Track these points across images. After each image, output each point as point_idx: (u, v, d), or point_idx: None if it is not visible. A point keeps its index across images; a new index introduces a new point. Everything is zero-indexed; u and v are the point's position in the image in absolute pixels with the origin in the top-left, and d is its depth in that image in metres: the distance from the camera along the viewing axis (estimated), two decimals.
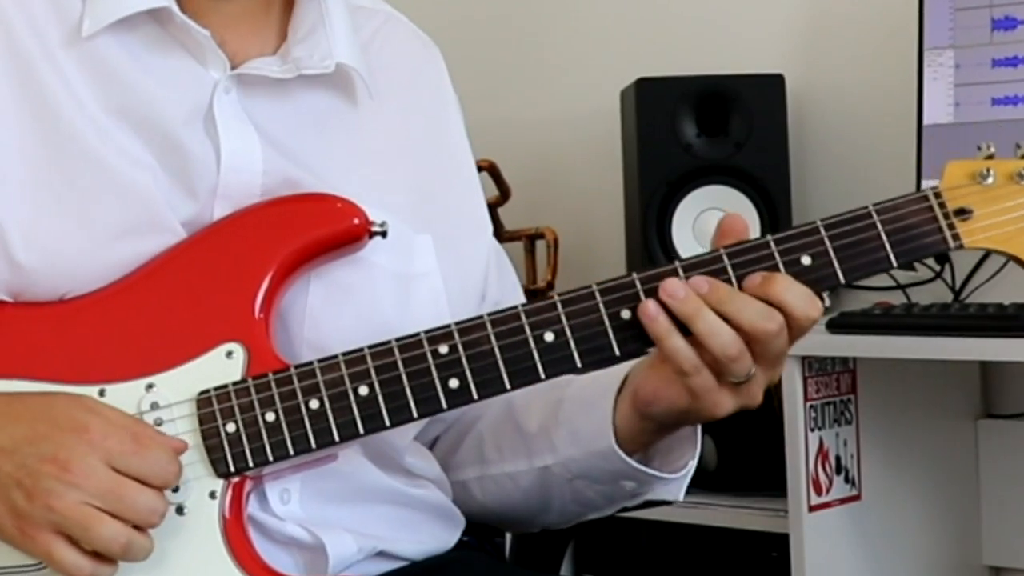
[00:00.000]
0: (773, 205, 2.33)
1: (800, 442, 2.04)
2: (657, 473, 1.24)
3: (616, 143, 2.50)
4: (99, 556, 1.09)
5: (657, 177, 2.35)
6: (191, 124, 1.20)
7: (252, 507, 1.17)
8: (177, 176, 1.19)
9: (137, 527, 1.09)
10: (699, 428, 1.24)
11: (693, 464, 1.25)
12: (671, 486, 1.26)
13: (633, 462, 1.23)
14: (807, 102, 2.50)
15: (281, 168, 1.21)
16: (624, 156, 2.47)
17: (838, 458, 2.09)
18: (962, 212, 1.15)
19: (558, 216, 2.69)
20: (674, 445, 1.25)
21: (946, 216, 1.15)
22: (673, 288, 1.13)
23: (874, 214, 1.15)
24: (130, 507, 1.08)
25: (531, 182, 2.73)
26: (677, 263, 1.14)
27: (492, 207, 2.49)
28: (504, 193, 2.57)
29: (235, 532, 1.14)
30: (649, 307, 1.13)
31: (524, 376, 1.14)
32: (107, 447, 1.08)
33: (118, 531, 1.07)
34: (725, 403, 1.16)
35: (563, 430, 1.27)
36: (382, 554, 1.25)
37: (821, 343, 2.02)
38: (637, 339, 1.15)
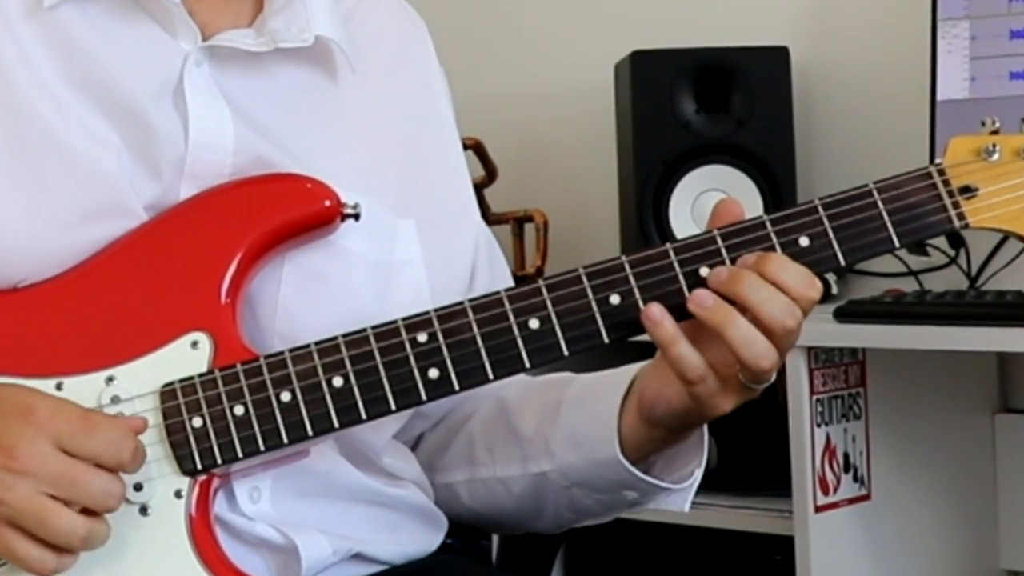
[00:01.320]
0: (777, 186, 2.34)
1: (806, 438, 2.04)
2: (663, 484, 1.25)
3: (610, 120, 2.50)
4: (59, 547, 1.08)
5: (653, 156, 2.35)
6: (159, 99, 1.20)
7: (220, 507, 1.18)
8: (142, 154, 1.19)
9: (92, 513, 1.09)
10: (705, 436, 1.25)
11: (699, 473, 1.26)
12: (675, 496, 1.26)
13: (639, 473, 1.24)
14: (813, 76, 2.50)
15: (254, 147, 1.21)
16: (618, 134, 2.48)
17: (846, 455, 2.09)
18: (967, 190, 1.16)
19: (548, 198, 2.69)
20: (679, 453, 1.26)
21: (950, 194, 1.16)
22: (701, 298, 1.13)
23: (875, 192, 1.16)
24: (84, 491, 1.07)
25: (519, 161, 2.73)
26: (668, 245, 1.15)
27: (478, 188, 2.50)
28: (490, 173, 2.57)
29: (202, 533, 1.14)
30: (653, 311, 1.13)
31: (508, 365, 1.15)
32: (54, 428, 1.08)
33: (76, 523, 1.07)
34: (726, 405, 1.17)
35: (562, 435, 1.27)
36: (359, 556, 1.25)
37: (828, 333, 2.03)
38: (627, 325, 1.15)
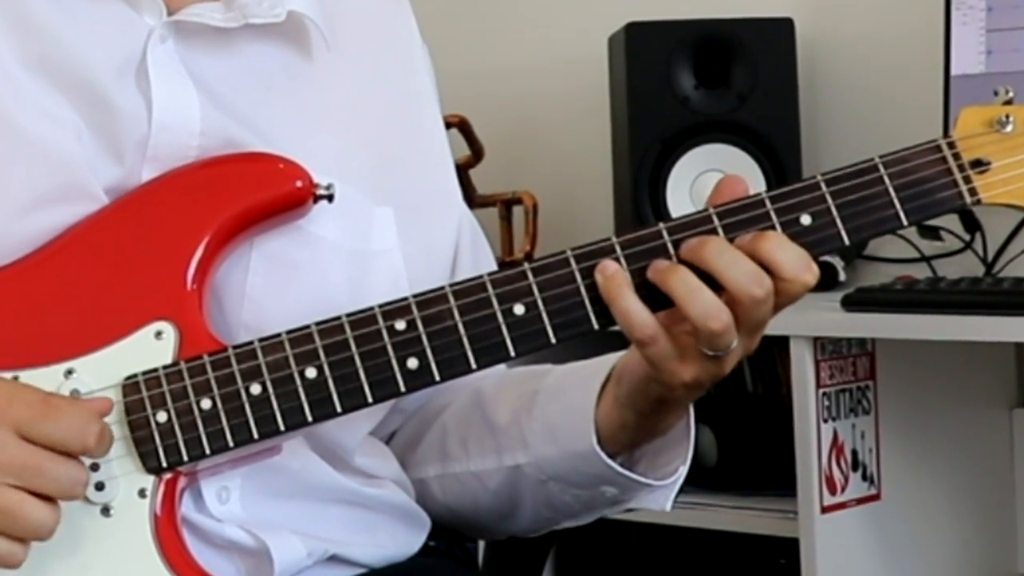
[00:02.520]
0: (780, 165, 2.35)
1: (812, 435, 2.05)
2: (642, 479, 1.25)
3: (604, 96, 2.50)
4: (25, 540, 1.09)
5: (650, 134, 2.36)
6: (122, 77, 1.20)
7: (186, 508, 1.18)
8: (103, 135, 1.19)
9: (51, 501, 1.08)
10: (691, 432, 1.25)
11: (684, 471, 1.26)
12: (657, 494, 1.27)
13: (616, 465, 1.24)
14: (819, 50, 2.51)
15: (222, 128, 1.21)
16: (612, 111, 2.48)
17: (855, 452, 2.10)
18: (979, 164, 1.16)
19: (537, 179, 2.70)
20: (663, 449, 1.26)
21: (961, 168, 1.16)
22: (657, 262, 1.13)
23: (881, 167, 1.16)
24: (52, 480, 1.08)
25: (507, 140, 2.73)
26: (661, 225, 1.15)
27: (463, 168, 2.50)
28: (476, 152, 2.58)
29: (168, 534, 1.14)
30: (608, 266, 1.14)
31: (491, 353, 1.14)
32: (13, 415, 1.08)
33: (46, 514, 1.08)
34: (685, 373, 1.16)
35: (537, 425, 1.27)
36: (335, 559, 1.25)
37: (835, 322, 2.04)
38: None
